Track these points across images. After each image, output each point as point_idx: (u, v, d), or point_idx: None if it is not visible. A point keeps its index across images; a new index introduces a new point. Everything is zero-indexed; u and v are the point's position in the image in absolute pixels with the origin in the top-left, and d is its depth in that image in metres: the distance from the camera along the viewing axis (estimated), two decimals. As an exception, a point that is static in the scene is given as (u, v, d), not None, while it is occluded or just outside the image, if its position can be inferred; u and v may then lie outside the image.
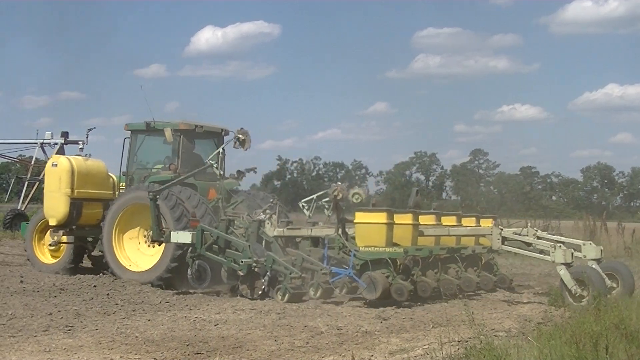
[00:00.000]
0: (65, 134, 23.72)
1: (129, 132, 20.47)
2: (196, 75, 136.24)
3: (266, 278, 15.82)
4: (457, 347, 10.25)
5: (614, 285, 16.17)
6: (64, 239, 20.55)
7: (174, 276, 17.66)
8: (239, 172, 21.26)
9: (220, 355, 10.21)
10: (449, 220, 19.05)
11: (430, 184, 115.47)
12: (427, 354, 10.12)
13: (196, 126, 19.84)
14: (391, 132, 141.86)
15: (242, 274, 16.02)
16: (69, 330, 11.87)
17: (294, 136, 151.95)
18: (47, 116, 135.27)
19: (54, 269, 20.42)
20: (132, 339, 11.11)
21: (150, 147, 20.48)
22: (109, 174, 20.97)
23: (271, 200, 19.24)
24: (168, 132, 18.97)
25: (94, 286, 17.17)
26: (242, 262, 16.01)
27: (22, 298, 15.31)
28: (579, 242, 16.95)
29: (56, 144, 22.98)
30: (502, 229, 16.63)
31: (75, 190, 19.59)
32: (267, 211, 17.77)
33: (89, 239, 20.70)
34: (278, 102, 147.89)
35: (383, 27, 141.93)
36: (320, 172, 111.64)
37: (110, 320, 12.90)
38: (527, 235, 16.82)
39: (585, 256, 16.27)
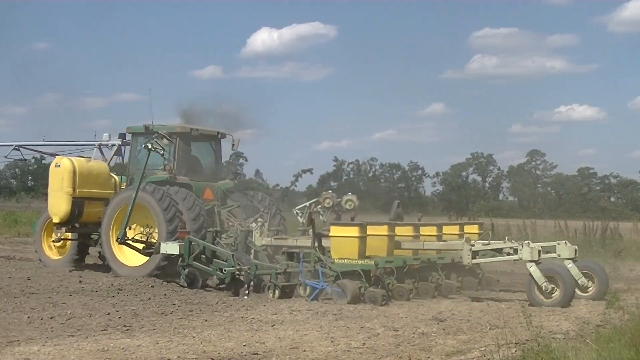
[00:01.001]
0: (122, 136, 24.03)
1: (130, 134, 21.56)
2: (253, 76, 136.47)
3: (250, 285, 16.35)
4: (515, 349, 10.18)
5: (591, 283, 16.79)
6: (67, 235, 21.47)
7: (164, 273, 18.38)
8: (234, 173, 21.79)
9: (277, 356, 10.23)
10: (428, 231, 18.91)
11: (487, 185, 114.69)
12: (484, 356, 10.05)
13: (192, 129, 20.58)
14: (447, 133, 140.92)
15: (226, 281, 16.64)
16: (127, 329, 12.00)
17: (350, 137, 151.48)
18: (104, 118, 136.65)
19: (61, 264, 21.46)
20: (189, 339, 11.18)
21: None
22: (111, 174, 21.87)
23: (262, 209, 19.88)
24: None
25: (152, 286, 17.38)
26: (225, 270, 16.59)
27: (80, 298, 15.52)
28: (553, 243, 17.19)
29: (113, 145, 23.37)
30: (473, 244, 16.80)
31: (77, 190, 20.43)
32: (259, 220, 18.21)
33: (93, 236, 21.24)
34: (334, 103, 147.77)
35: (439, 27, 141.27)
36: (376, 173, 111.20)
37: (168, 320, 13.02)
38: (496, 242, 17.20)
39: (559, 255, 16.73)
